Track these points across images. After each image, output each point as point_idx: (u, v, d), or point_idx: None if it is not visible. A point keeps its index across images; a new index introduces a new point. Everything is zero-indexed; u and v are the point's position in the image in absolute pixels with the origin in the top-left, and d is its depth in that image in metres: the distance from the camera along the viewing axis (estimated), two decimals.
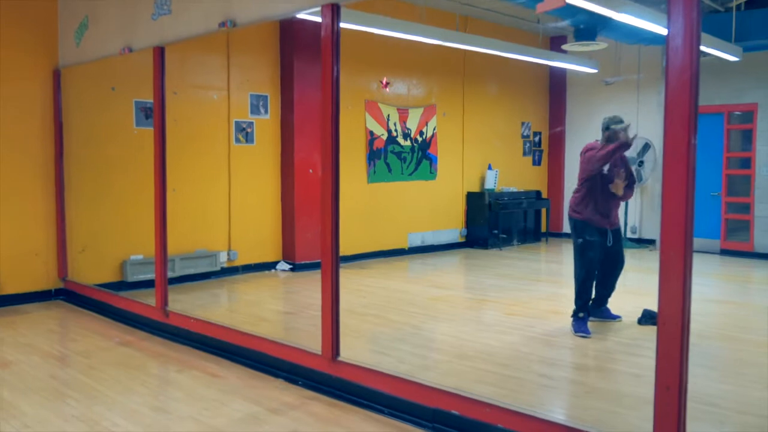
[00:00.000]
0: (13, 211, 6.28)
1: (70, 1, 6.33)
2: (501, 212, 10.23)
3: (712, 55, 7.75)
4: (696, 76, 2.45)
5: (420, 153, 9.68)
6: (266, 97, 8.05)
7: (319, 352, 3.96)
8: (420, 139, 9.67)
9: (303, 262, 8.09)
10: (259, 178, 8.03)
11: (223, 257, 7.70)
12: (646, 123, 10.20)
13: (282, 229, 8.24)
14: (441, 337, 5.43)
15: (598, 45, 7.56)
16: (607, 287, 5.55)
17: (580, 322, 5.23)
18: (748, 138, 9.61)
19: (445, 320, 5.88)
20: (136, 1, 5.43)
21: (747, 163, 9.59)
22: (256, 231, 8.02)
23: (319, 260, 3.98)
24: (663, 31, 6.55)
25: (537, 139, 11.72)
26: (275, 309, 6.60)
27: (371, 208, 9.02)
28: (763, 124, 9.36)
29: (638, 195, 10.47)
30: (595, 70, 9.85)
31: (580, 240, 5.34)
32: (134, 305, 5.69)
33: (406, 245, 9.60)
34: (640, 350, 4.80)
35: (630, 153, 9.65)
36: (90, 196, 6.70)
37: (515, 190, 10.84)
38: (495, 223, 10.24)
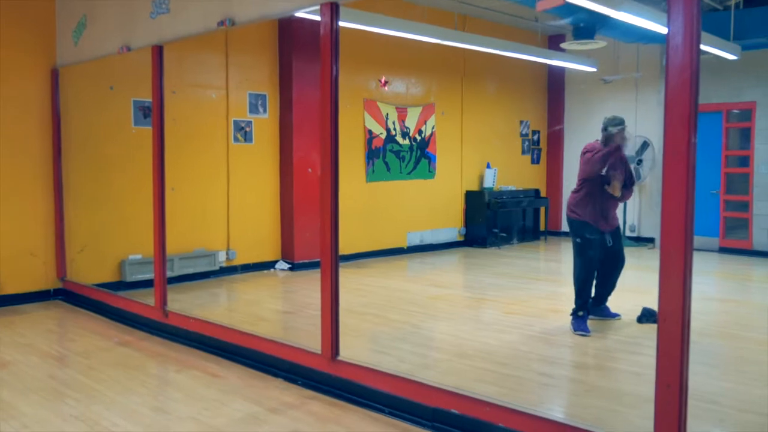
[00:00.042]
0: (11, 211, 6.26)
1: (68, 1, 6.32)
2: (500, 211, 10.23)
3: (711, 54, 7.75)
4: (696, 74, 2.44)
5: (419, 152, 9.67)
6: (265, 96, 8.04)
7: (319, 352, 3.95)
8: (419, 137, 9.66)
9: (301, 262, 8.08)
10: (258, 177, 8.02)
11: (221, 257, 7.69)
12: (644, 121, 10.21)
13: (281, 228, 8.23)
14: (440, 336, 5.42)
15: (597, 44, 7.56)
16: (607, 286, 5.55)
17: (579, 321, 5.23)
18: (746, 136, 9.62)
19: (445, 319, 5.88)
20: None
21: (745, 161, 9.60)
22: (255, 230, 8.01)
23: (317, 259, 3.98)
24: (662, 29, 6.59)
25: (535, 137, 11.72)
26: (274, 308, 6.60)
27: (370, 207, 9.01)
28: (762, 122, 9.37)
29: (637, 193, 10.48)
30: (593, 69, 9.85)
31: (579, 239, 5.34)
32: (133, 305, 5.68)
33: (404, 244, 9.60)
34: (639, 348, 4.81)
35: (629, 151, 9.67)
36: (88, 195, 6.69)
37: (514, 188, 10.84)
38: (494, 221, 10.24)
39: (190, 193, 7.36)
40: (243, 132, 7.83)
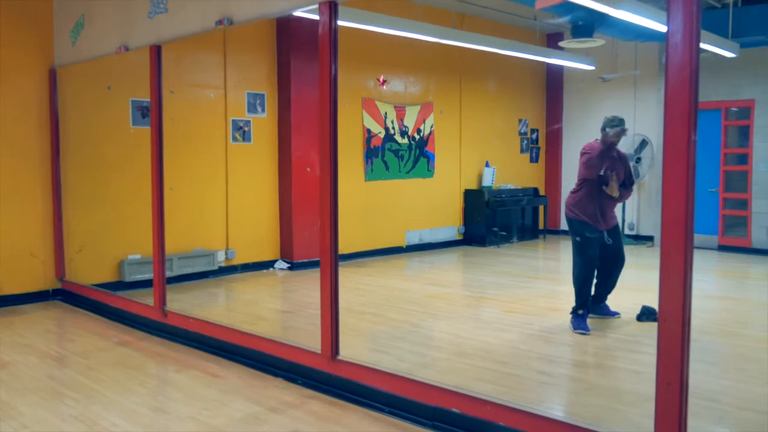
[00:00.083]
0: (9, 211, 6.25)
1: (66, 0, 6.30)
2: (498, 209, 10.22)
3: (709, 52, 7.75)
4: (696, 72, 2.44)
5: (417, 151, 9.67)
6: (263, 95, 8.03)
7: (319, 351, 3.95)
8: (417, 136, 9.66)
9: (300, 261, 8.08)
10: (257, 176, 8.01)
11: (220, 256, 7.68)
12: (643, 119, 10.22)
13: (280, 227, 8.23)
14: (440, 335, 5.42)
15: (595, 42, 7.55)
16: (607, 285, 5.55)
17: (579, 319, 5.23)
18: (745, 134, 9.62)
19: (444, 318, 5.88)
20: None
21: (744, 159, 9.60)
22: (254, 230, 8.01)
23: (316, 259, 3.98)
24: (660, 27, 6.59)
25: (534, 136, 11.72)
26: (273, 308, 6.59)
27: (369, 206, 9.00)
28: (760, 120, 9.37)
29: (636, 192, 10.46)
30: (592, 67, 9.84)
31: (579, 238, 5.35)
32: (132, 305, 5.67)
33: (403, 243, 9.59)
34: (639, 347, 4.81)
35: (627, 149, 9.68)
36: (87, 195, 6.68)
37: (513, 187, 10.83)
38: (493, 220, 10.23)
39: (189, 193, 7.35)
40: (241, 131, 7.82)
